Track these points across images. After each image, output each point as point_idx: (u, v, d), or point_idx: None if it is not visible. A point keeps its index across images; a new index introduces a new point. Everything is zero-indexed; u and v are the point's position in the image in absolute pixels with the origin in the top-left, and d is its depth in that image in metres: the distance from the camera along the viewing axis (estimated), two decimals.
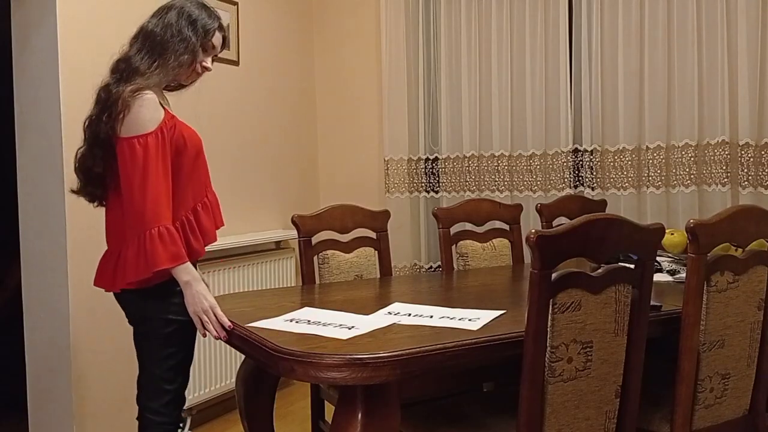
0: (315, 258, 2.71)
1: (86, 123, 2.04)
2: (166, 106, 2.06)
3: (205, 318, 1.92)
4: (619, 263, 1.78)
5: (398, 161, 4.09)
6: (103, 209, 2.16)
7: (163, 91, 2.15)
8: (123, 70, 2.01)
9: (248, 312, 2.02)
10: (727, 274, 1.89)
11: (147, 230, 1.90)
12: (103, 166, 2.00)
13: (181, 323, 2.00)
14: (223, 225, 2.28)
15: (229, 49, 3.65)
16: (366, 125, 4.31)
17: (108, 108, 1.96)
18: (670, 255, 2.78)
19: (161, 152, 1.94)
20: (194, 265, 2.03)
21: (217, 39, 2.16)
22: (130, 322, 2.12)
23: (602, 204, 3.42)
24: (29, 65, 2.75)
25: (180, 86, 2.24)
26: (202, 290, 1.94)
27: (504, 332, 1.71)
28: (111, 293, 2.15)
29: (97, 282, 2.13)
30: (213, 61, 2.21)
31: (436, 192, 4.08)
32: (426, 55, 4.07)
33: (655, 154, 3.52)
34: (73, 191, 2.11)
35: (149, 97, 1.96)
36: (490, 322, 1.82)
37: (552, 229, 1.62)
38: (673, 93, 3.47)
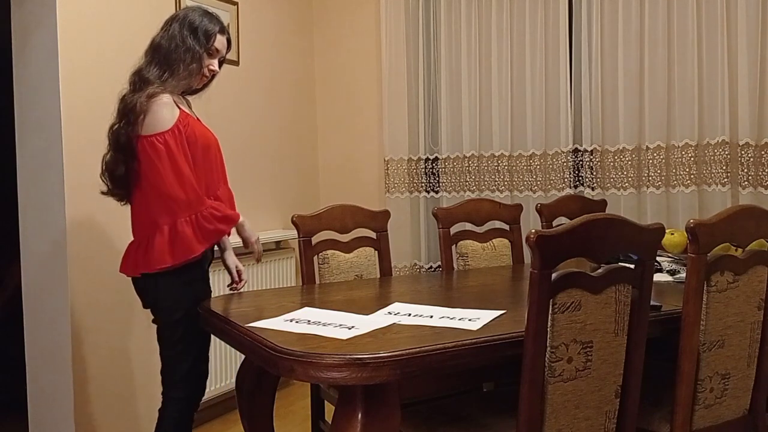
0: (315, 258, 2.71)
1: (109, 131, 2.25)
2: (182, 107, 2.27)
3: (257, 246, 2.42)
4: (619, 263, 1.78)
5: (398, 161, 4.09)
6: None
7: (184, 96, 2.38)
8: (136, 82, 2.23)
9: (248, 312, 2.03)
10: (727, 274, 1.89)
11: (195, 213, 2.17)
12: (124, 168, 2.21)
13: (186, 310, 2.19)
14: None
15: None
16: (366, 125, 4.31)
17: (125, 116, 2.18)
18: (670, 255, 2.78)
19: (181, 146, 2.18)
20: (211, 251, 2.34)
21: (219, 42, 2.33)
22: (144, 306, 2.32)
23: (602, 204, 3.42)
24: (29, 65, 2.74)
25: (194, 91, 2.41)
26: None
27: (504, 332, 1.71)
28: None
29: (121, 268, 2.32)
30: (221, 63, 2.40)
31: (436, 192, 4.08)
32: (426, 55, 4.07)
33: (655, 154, 3.52)
34: (102, 193, 2.30)
35: (165, 98, 2.18)
36: (490, 322, 1.82)
37: (552, 229, 1.62)
38: (673, 93, 3.47)
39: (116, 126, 2.22)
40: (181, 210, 2.16)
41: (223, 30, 2.34)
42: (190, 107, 2.41)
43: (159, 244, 2.16)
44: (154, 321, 2.29)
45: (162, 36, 2.27)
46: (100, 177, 2.28)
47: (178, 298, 2.20)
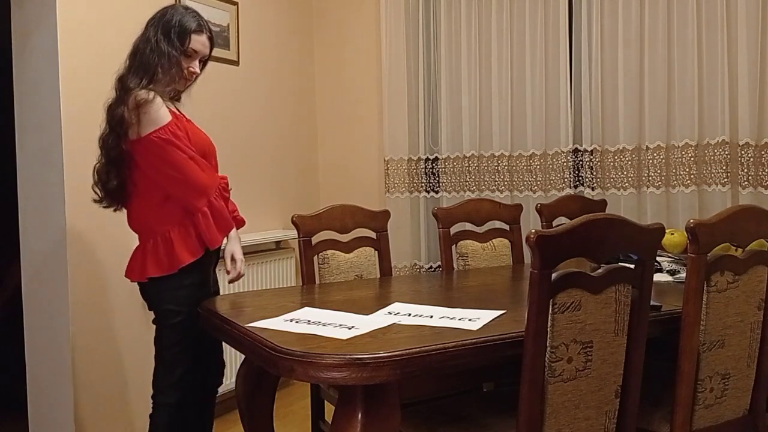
0: (315, 258, 2.71)
1: (99, 141, 2.20)
2: (173, 109, 2.23)
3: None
4: (619, 263, 1.78)
5: (398, 161, 4.09)
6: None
7: (172, 101, 2.31)
8: (119, 89, 2.17)
9: (248, 312, 2.03)
10: (727, 274, 1.89)
11: (218, 188, 2.23)
12: (117, 180, 2.18)
13: (187, 313, 2.19)
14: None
15: (229, 49, 3.65)
16: (366, 125, 4.31)
17: (114, 128, 2.14)
18: (670, 255, 2.78)
19: (183, 137, 2.16)
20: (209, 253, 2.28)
21: (196, 43, 2.24)
22: (150, 308, 2.31)
23: (602, 204, 3.42)
24: (29, 65, 2.74)
25: (178, 93, 2.35)
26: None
27: (504, 332, 1.71)
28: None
29: (127, 273, 2.29)
30: (205, 63, 2.32)
31: (436, 192, 4.08)
32: (426, 55, 4.07)
33: (655, 154, 3.52)
34: (95, 201, 2.27)
35: (156, 98, 2.12)
36: (490, 322, 1.82)
37: (552, 229, 1.62)
38: (673, 93, 3.47)
39: (105, 137, 2.18)
40: (210, 190, 2.19)
41: (201, 29, 2.24)
42: (178, 110, 2.36)
43: (206, 226, 2.18)
44: (154, 321, 2.28)
45: (140, 40, 2.21)
46: (92, 188, 2.25)
47: (180, 300, 2.19)
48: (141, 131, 2.11)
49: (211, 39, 2.30)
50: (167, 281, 2.18)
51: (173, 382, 2.22)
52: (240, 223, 2.42)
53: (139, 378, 3.03)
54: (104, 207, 2.27)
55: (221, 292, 2.50)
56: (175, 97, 2.34)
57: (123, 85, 2.16)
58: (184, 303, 2.19)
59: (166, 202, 2.18)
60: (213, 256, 2.34)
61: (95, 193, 2.25)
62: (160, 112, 2.12)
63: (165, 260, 2.16)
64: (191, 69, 2.25)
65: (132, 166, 2.17)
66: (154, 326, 2.29)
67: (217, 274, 2.48)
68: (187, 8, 2.29)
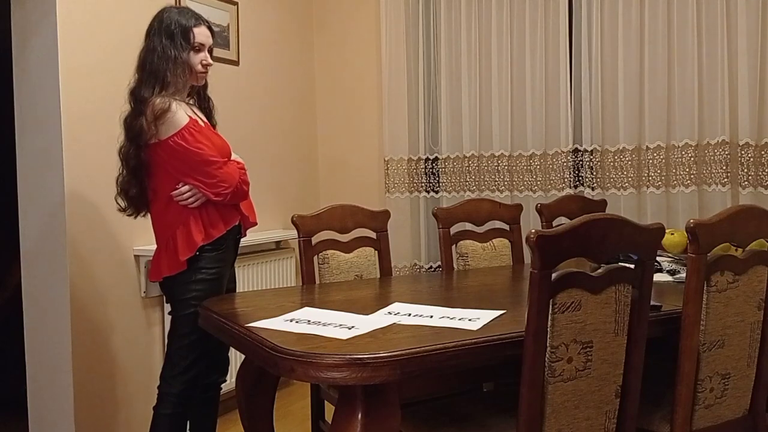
0: (315, 258, 2.71)
1: (119, 152, 2.28)
2: (192, 115, 2.30)
3: None
4: (619, 263, 1.78)
5: (398, 161, 4.09)
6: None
7: (190, 105, 2.38)
8: (133, 102, 2.24)
9: (248, 312, 2.03)
10: (727, 274, 1.89)
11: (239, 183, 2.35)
12: (138, 188, 2.27)
13: (197, 307, 2.24)
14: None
15: (228, 49, 3.65)
16: (366, 125, 4.31)
17: (133, 140, 2.22)
18: (670, 255, 2.78)
19: (203, 136, 2.25)
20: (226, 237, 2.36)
21: (200, 35, 2.32)
22: (167, 302, 2.46)
23: (602, 204, 3.42)
24: (29, 65, 2.74)
25: (197, 90, 2.44)
26: None
27: (504, 332, 1.71)
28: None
29: (150, 276, 2.42)
30: (211, 52, 2.38)
31: (436, 192, 4.08)
32: (426, 55, 4.07)
33: (655, 154, 3.52)
34: (119, 210, 2.35)
35: (172, 104, 2.20)
36: (490, 322, 1.82)
37: (552, 229, 1.62)
38: (673, 93, 3.47)
39: (124, 148, 2.26)
40: (231, 179, 2.31)
41: (199, 21, 2.32)
42: (205, 115, 2.44)
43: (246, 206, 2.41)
44: (170, 313, 2.36)
45: (145, 51, 2.29)
46: (115, 199, 2.33)
47: (193, 293, 2.27)
48: (160, 136, 2.19)
49: (210, 29, 2.38)
50: (181, 275, 2.26)
51: (177, 373, 2.30)
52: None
53: (139, 378, 3.03)
54: (128, 215, 2.35)
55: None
56: (191, 99, 2.41)
57: (136, 97, 2.24)
58: (197, 296, 2.26)
59: (170, 204, 2.26)
60: (230, 252, 2.39)
61: (118, 203, 2.34)
62: (177, 116, 2.21)
63: (174, 258, 2.25)
64: (204, 62, 2.33)
65: (150, 173, 2.26)
66: (172, 319, 2.36)
67: (236, 270, 2.56)
68: (178, 8, 2.37)
